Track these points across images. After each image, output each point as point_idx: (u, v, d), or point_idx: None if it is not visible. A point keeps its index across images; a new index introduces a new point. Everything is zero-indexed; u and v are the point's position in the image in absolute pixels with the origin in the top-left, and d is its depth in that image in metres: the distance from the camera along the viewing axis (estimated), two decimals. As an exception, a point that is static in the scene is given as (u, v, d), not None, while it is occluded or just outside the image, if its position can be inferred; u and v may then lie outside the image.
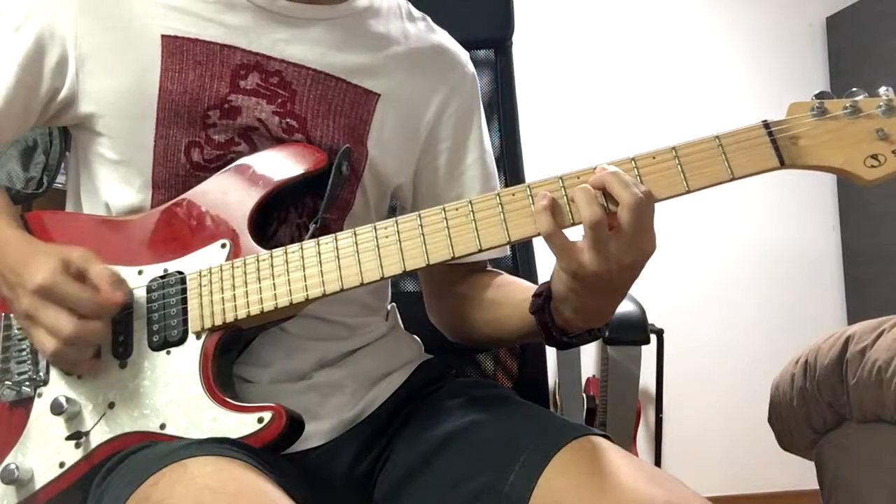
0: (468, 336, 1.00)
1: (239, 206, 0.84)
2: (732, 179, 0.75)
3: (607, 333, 1.12)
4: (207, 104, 0.86)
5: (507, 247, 1.04)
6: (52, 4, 0.87)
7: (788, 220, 3.14)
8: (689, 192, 0.75)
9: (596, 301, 0.78)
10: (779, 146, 0.75)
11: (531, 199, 0.76)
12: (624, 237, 0.73)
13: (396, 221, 0.79)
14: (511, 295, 0.92)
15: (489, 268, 1.02)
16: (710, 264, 3.08)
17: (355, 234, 0.80)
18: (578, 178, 0.76)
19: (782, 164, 0.75)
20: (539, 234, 0.76)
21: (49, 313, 0.75)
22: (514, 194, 0.77)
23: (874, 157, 0.73)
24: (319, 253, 0.80)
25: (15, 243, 0.82)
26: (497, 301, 0.94)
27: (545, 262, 1.27)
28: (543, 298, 0.82)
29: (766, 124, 0.75)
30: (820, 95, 0.75)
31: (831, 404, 1.35)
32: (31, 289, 0.75)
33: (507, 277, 0.99)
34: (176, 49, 0.86)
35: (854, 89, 0.75)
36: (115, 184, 0.89)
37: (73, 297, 0.75)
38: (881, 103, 0.74)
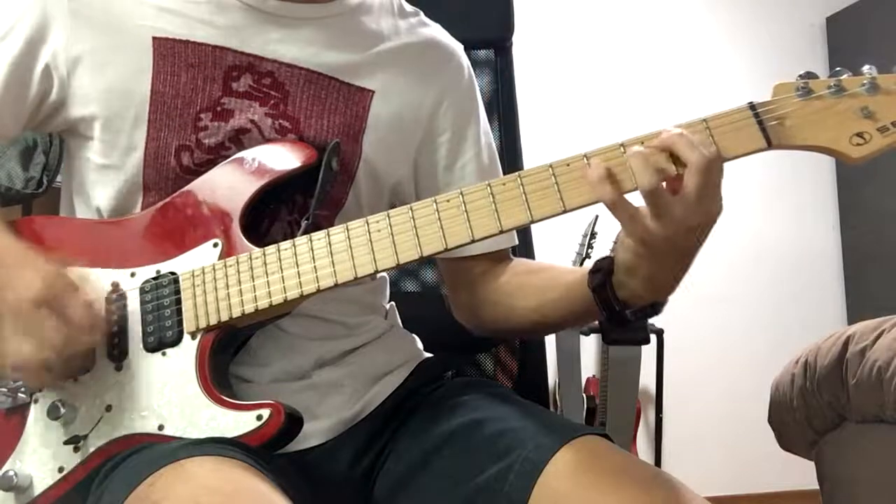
0: (509, 326, 0.98)
1: (230, 204, 0.84)
2: (722, 161, 0.74)
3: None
4: (200, 107, 0.86)
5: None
6: (42, 8, 0.86)
7: (788, 219, 3.14)
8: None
9: (663, 267, 0.77)
10: (765, 127, 0.74)
11: (523, 188, 0.76)
12: (689, 200, 0.71)
13: (388, 215, 0.79)
14: (556, 278, 0.91)
15: (511, 255, 1.00)
16: (710, 264, 3.05)
17: (347, 228, 0.79)
18: (642, 143, 0.75)
19: (769, 145, 0.74)
20: (530, 224, 0.75)
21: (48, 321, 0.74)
22: (504, 184, 0.77)
23: (860, 135, 0.73)
24: (312, 249, 0.79)
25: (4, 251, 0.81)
26: (541, 287, 0.92)
27: (542, 253, 1.27)
28: (603, 273, 0.81)
29: (752, 106, 0.75)
30: (805, 76, 0.75)
31: (831, 404, 1.34)
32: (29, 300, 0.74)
33: (537, 263, 0.98)
34: (167, 51, 0.86)
35: (838, 69, 0.75)
36: (105, 188, 0.88)
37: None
38: (865, 81, 0.74)
